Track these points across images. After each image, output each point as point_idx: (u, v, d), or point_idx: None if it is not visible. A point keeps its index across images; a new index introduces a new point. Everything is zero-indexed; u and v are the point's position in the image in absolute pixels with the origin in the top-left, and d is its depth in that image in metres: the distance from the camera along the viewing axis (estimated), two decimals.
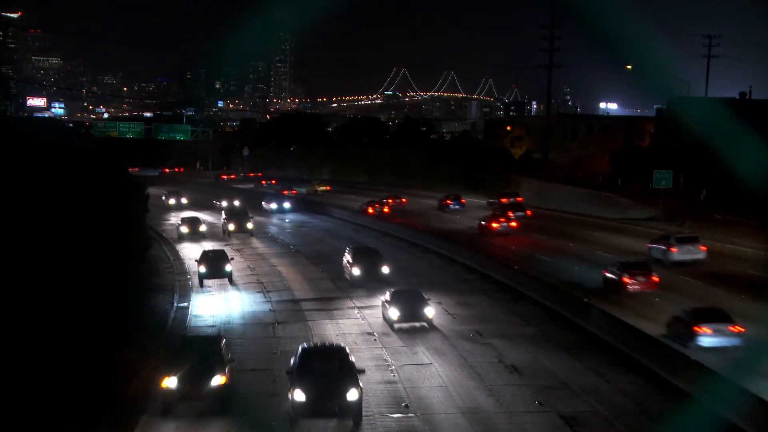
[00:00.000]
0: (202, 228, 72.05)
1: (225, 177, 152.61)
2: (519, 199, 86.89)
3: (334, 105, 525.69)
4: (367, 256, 50.73)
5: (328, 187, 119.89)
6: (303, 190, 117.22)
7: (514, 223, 70.31)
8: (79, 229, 37.61)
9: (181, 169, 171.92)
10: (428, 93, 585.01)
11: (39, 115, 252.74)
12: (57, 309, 32.28)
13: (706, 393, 27.17)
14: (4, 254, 31.54)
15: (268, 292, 50.26)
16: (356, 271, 49.42)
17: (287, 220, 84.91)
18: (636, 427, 27.32)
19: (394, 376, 32.90)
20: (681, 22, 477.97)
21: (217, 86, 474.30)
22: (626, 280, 45.01)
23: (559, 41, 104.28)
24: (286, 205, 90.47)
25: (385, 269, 49.82)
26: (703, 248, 54.06)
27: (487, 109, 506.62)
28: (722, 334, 33.68)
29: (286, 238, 73.08)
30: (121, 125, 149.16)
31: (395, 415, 28.51)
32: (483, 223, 71.37)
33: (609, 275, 46.50)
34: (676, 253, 53.18)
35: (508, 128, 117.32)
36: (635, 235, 63.95)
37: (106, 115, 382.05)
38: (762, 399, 25.39)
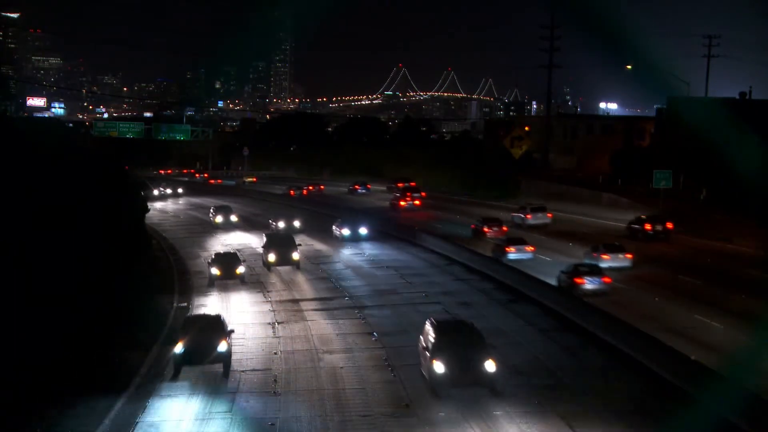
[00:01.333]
0: (240, 270, 52.30)
1: (162, 172, 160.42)
2: (412, 183, 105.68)
3: (333, 105, 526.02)
4: (457, 340, 30.57)
5: (254, 179, 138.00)
6: (232, 182, 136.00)
7: (417, 202, 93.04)
8: (79, 229, 37.64)
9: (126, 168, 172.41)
10: (428, 93, 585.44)
11: (39, 115, 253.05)
12: (57, 309, 32.33)
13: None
14: (4, 254, 31.55)
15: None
16: (439, 367, 29.56)
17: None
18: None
19: None
20: (681, 22, 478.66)
21: (217, 86, 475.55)
22: (486, 229, 66.27)
23: (559, 41, 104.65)
24: (362, 231, 71.36)
25: (490, 366, 29.45)
26: (550, 215, 72.98)
27: (487, 109, 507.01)
28: (521, 252, 55.87)
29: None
30: (121, 125, 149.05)
31: None
32: (394, 202, 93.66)
33: (475, 227, 68.10)
34: (531, 218, 72.45)
35: (516, 129, 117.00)
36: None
37: (105, 115, 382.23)
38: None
